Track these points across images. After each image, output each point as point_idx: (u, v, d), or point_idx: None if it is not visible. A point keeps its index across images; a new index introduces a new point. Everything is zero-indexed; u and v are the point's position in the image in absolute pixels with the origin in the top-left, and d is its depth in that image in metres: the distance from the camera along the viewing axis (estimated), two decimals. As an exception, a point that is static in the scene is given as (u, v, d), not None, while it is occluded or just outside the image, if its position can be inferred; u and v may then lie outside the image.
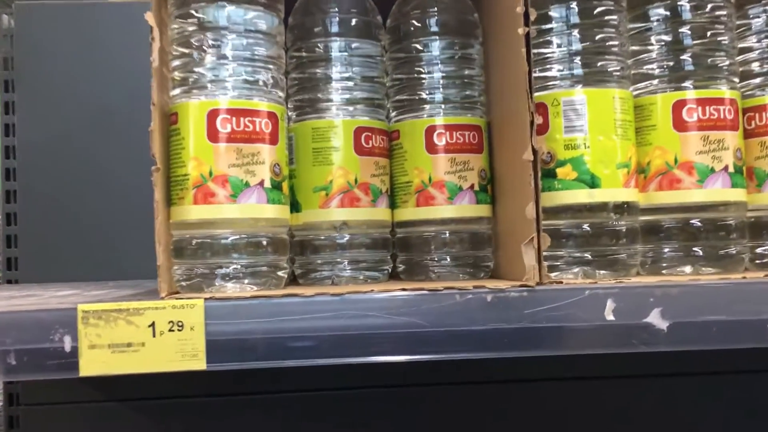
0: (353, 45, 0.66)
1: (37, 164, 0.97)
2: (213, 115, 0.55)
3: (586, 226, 0.59)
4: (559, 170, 0.59)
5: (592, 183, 0.58)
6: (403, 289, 0.55)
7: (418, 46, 0.68)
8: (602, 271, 0.60)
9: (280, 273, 0.59)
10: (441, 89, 0.67)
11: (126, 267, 0.92)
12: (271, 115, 0.57)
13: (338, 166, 0.64)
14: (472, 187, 0.66)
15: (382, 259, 0.67)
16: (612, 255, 0.59)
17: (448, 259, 0.67)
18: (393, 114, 0.70)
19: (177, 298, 0.53)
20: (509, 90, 0.61)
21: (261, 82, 0.58)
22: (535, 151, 0.56)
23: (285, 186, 0.59)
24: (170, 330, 0.52)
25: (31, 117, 0.98)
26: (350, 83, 0.66)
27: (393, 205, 0.69)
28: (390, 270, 0.69)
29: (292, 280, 0.67)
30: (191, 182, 0.55)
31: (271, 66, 0.59)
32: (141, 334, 0.52)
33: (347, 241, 0.65)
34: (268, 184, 0.57)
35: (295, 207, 0.64)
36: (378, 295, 0.54)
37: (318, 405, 0.89)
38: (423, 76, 0.68)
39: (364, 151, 0.65)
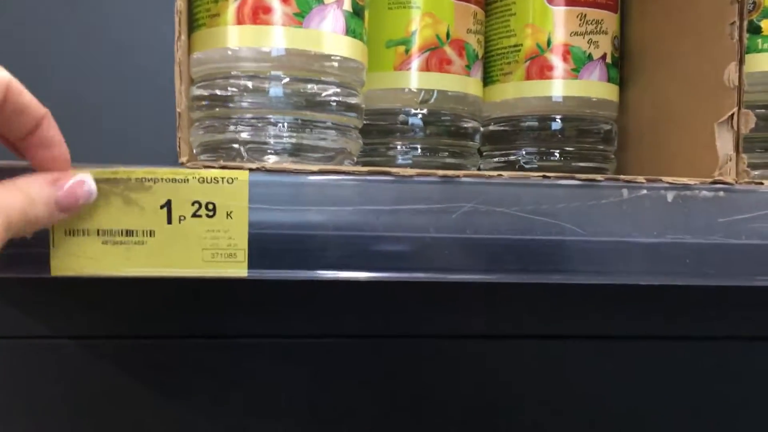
0: None
1: None
2: None
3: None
4: (765, 23, 0.41)
5: (817, 43, 0.40)
6: (544, 176, 0.37)
7: None
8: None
9: (349, 148, 0.40)
10: None
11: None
12: None
13: (425, 11, 0.45)
14: (604, 57, 0.48)
15: (471, 152, 0.49)
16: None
17: (558, 156, 0.49)
18: (492, -46, 0.51)
19: (207, 167, 0.33)
20: None
21: None
22: (742, -12, 0.38)
23: (366, 16, 0.40)
24: (195, 215, 0.33)
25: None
26: None
27: (486, 80, 0.50)
28: (476, 169, 0.51)
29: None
30: (232, -10, 0.35)
31: None
32: (149, 219, 0.33)
33: (427, 119, 0.46)
34: (348, 5, 0.37)
35: (357, 68, 0.45)
36: (508, 182, 0.36)
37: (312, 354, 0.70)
38: None
39: (461, -7, 0.46)
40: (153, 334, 0.61)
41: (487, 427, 0.65)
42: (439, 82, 0.46)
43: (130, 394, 0.60)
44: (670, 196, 0.37)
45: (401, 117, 0.46)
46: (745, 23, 0.38)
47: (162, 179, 0.33)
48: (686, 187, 0.37)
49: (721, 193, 0.37)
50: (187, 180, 0.33)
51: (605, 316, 0.64)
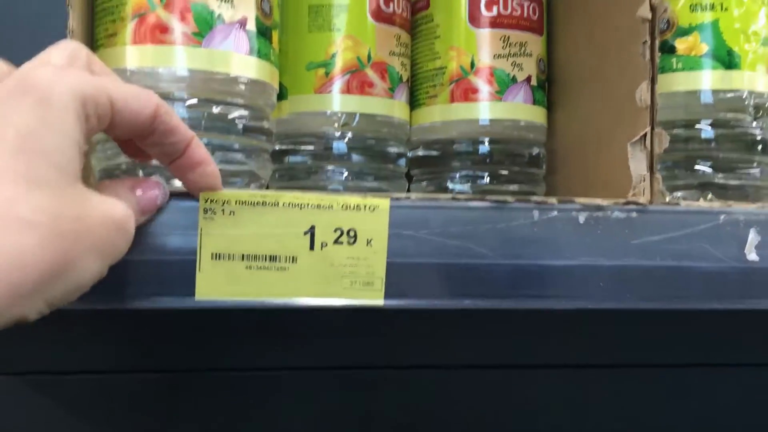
0: None
1: None
2: None
3: (707, 127, 0.41)
4: (679, 42, 0.40)
5: (729, 62, 0.40)
6: (453, 198, 0.36)
7: None
8: (719, 198, 0.42)
9: (258, 172, 0.39)
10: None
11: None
12: None
13: (346, 34, 0.45)
14: (528, 80, 0.47)
15: (397, 176, 0.48)
16: (742, 172, 0.41)
17: (486, 180, 0.48)
18: (419, -22, 0.51)
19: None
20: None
21: None
22: (653, 7, 0.38)
23: (275, 38, 0.39)
24: (337, 241, 0.33)
25: None
26: None
27: (412, 104, 0.49)
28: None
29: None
30: (131, 10, 0.34)
31: None
32: (293, 245, 0.33)
33: (350, 143, 0.45)
34: (251, 25, 0.37)
35: (278, 92, 0.44)
36: (416, 205, 0.35)
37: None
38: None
39: (382, 16, 0.46)
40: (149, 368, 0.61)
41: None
42: (361, 104, 0.45)
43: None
44: (582, 217, 0.36)
45: (324, 140, 0.46)
46: (657, 42, 0.37)
47: (308, 205, 0.33)
48: (598, 208, 0.36)
49: (634, 214, 0.37)
50: (332, 206, 0.33)
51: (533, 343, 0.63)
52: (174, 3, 0.34)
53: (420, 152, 0.50)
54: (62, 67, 0.27)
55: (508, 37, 0.47)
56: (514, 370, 0.66)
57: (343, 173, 0.46)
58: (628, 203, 0.37)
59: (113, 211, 0.26)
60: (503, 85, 0.47)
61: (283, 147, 0.46)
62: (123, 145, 0.32)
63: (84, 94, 0.25)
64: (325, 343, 0.62)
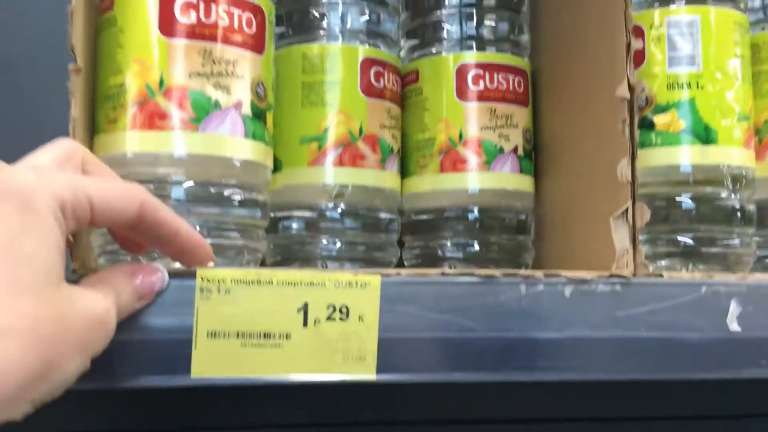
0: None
1: None
2: None
3: (687, 200, 0.42)
4: (658, 118, 0.42)
5: (707, 138, 0.41)
6: (443, 273, 0.37)
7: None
8: (701, 266, 0.43)
9: (253, 246, 0.40)
10: (476, 18, 0.50)
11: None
12: (256, 9, 0.39)
13: (338, 109, 0.46)
14: (515, 150, 0.49)
15: (388, 243, 0.49)
16: (722, 243, 0.42)
17: (476, 248, 0.49)
18: (408, 51, 0.52)
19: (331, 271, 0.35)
20: (584, 13, 0.45)
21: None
22: (631, 87, 0.39)
23: (269, 119, 0.41)
24: (329, 318, 0.34)
25: None
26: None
27: (404, 173, 0.51)
28: (395, 261, 0.51)
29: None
30: (131, 98, 0.36)
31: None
32: (286, 322, 0.34)
33: (343, 213, 0.47)
34: (247, 109, 0.38)
35: (273, 165, 0.46)
36: (406, 281, 0.36)
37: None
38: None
39: (373, 91, 0.47)
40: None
41: None
42: (353, 176, 0.46)
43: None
44: (567, 290, 0.37)
45: (317, 211, 0.47)
46: (637, 120, 0.39)
47: (301, 282, 0.34)
48: (583, 281, 0.37)
49: (618, 287, 0.38)
50: (324, 284, 0.34)
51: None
52: (173, 91, 0.36)
53: (411, 219, 0.51)
54: (45, 171, 0.28)
55: (495, 110, 0.48)
56: (506, 425, 0.66)
57: (336, 243, 0.47)
58: (612, 276, 0.38)
59: (95, 308, 0.27)
60: (491, 156, 0.48)
61: (278, 216, 0.47)
62: (118, 239, 0.34)
63: (63, 199, 0.26)
64: (313, 400, 0.62)
